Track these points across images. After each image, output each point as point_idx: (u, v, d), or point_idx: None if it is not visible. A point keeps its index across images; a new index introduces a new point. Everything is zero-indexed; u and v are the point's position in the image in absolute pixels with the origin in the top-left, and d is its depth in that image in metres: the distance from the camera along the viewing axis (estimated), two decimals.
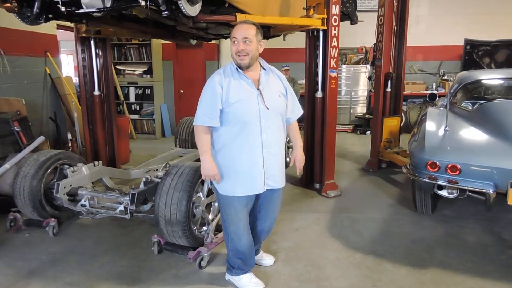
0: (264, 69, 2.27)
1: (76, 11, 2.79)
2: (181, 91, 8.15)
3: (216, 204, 3.06)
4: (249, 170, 2.20)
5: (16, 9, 2.88)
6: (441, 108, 3.87)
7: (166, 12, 2.72)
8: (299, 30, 4.26)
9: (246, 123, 2.15)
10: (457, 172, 2.83)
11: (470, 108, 3.68)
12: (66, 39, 7.09)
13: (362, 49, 8.51)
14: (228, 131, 2.17)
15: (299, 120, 2.53)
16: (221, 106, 2.13)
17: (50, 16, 3.04)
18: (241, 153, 2.18)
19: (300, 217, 3.62)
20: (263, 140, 2.18)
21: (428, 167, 2.92)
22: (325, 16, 3.90)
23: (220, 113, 2.13)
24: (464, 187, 2.83)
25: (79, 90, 4.92)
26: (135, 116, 7.79)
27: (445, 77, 8.17)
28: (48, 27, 5.48)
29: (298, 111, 2.44)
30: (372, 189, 4.47)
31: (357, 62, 8.54)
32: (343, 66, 8.44)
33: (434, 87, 8.31)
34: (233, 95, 2.12)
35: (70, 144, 5.83)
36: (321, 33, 3.98)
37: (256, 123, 2.16)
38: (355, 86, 8.47)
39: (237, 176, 2.21)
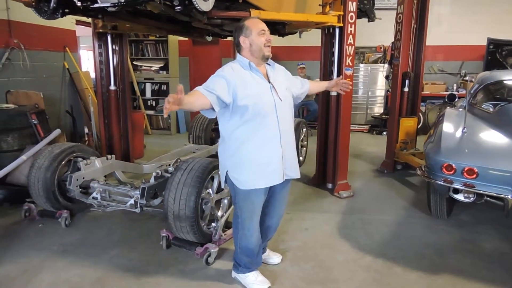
0: (269, 64, 2.31)
1: (91, 6, 2.82)
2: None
3: (226, 201, 3.06)
4: (269, 161, 2.22)
5: (33, 3, 2.93)
6: (460, 109, 3.75)
7: (179, 7, 2.73)
8: (315, 27, 4.20)
9: (265, 116, 2.16)
10: (474, 176, 2.72)
11: (491, 109, 3.54)
12: (87, 35, 7.21)
13: (381, 48, 8.34)
14: (247, 125, 2.15)
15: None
16: (228, 96, 2.06)
17: (66, 11, 3.08)
18: (262, 145, 2.19)
19: (310, 216, 3.57)
20: (280, 130, 2.22)
21: (444, 169, 2.82)
22: (342, 13, 3.82)
23: (238, 108, 2.11)
24: (481, 192, 2.71)
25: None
26: (151, 112, 7.87)
27: (467, 78, 7.91)
28: (67, 23, 5.61)
29: (306, 83, 2.59)
30: (386, 190, 4.38)
31: (375, 61, 8.37)
32: (361, 65, 8.30)
33: (454, 88, 8.08)
34: (249, 89, 2.13)
35: (86, 138, 5.93)
36: (337, 30, 3.90)
37: (273, 115, 2.20)
38: (373, 86, 8.32)
39: (258, 168, 2.20)
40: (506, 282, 2.52)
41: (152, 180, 3.10)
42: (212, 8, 2.94)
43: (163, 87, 7.81)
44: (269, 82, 2.23)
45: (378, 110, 8.36)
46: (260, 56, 2.20)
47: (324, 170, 4.38)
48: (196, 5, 2.71)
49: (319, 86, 2.81)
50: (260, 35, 2.17)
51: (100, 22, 4.36)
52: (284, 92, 2.29)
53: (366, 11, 4.61)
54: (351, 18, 3.86)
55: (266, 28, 2.20)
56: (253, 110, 2.13)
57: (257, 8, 3.36)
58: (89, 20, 4.69)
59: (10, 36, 4.75)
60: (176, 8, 2.74)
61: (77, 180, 3.27)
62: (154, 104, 7.91)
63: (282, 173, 2.26)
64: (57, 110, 5.57)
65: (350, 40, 3.91)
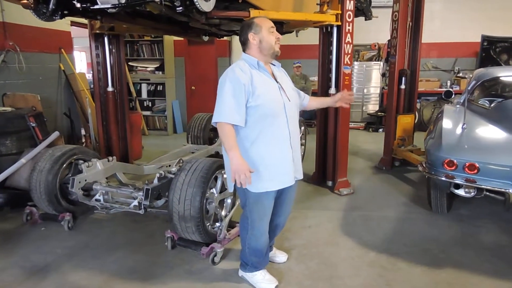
0: (274, 65, 2.31)
1: (91, 7, 2.80)
2: (193, 87, 8.17)
3: (229, 200, 3.07)
4: (280, 162, 2.20)
5: (32, 5, 2.91)
6: (458, 106, 3.80)
7: (181, 8, 2.72)
8: (313, 26, 4.22)
9: (275, 116, 2.15)
10: (475, 171, 2.77)
11: (488, 105, 3.60)
12: (79, 36, 7.15)
13: (375, 45, 8.41)
14: (258, 126, 2.13)
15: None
16: (246, 102, 2.09)
17: (65, 12, 3.06)
18: (272, 146, 2.17)
19: (312, 214, 3.60)
20: (290, 131, 2.21)
21: (445, 165, 2.86)
22: (339, 12, 3.85)
23: (248, 108, 2.09)
24: (482, 186, 2.77)
25: (92, 86, 4.96)
26: (147, 113, 7.84)
27: (460, 74, 8.01)
28: (62, 24, 5.55)
29: (306, 98, 2.57)
30: (385, 187, 4.42)
31: (370, 59, 8.44)
32: (356, 63, 8.35)
33: (448, 84, 8.17)
34: (259, 88, 2.11)
35: (84, 140, 5.89)
36: (335, 29, 3.93)
37: (283, 115, 2.19)
38: (367, 83, 8.38)
39: (269, 171, 2.17)
40: (508, 275, 2.57)
41: (155, 181, 3.09)
42: (212, 8, 2.94)
43: (159, 88, 7.78)
44: (277, 82, 2.23)
45: (373, 107, 8.43)
46: (270, 53, 2.20)
47: (324, 168, 4.41)
48: (198, 6, 2.70)
49: (320, 102, 2.76)
50: (270, 33, 2.18)
51: (97, 23, 4.34)
52: (291, 92, 2.30)
53: (363, 10, 4.64)
54: (349, 17, 3.89)
55: (274, 26, 2.22)
56: (263, 110, 2.11)
57: (256, 7, 3.37)
58: (83, 21, 4.66)
59: (5, 38, 4.70)
60: (177, 9, 2.73)
61: (80, 182, 3.25)
62: (150, 105, 7.89)
63: (293, 174, 2.26)
64: (54, 112, 5.52)
65: (348, 38, 3.94)
